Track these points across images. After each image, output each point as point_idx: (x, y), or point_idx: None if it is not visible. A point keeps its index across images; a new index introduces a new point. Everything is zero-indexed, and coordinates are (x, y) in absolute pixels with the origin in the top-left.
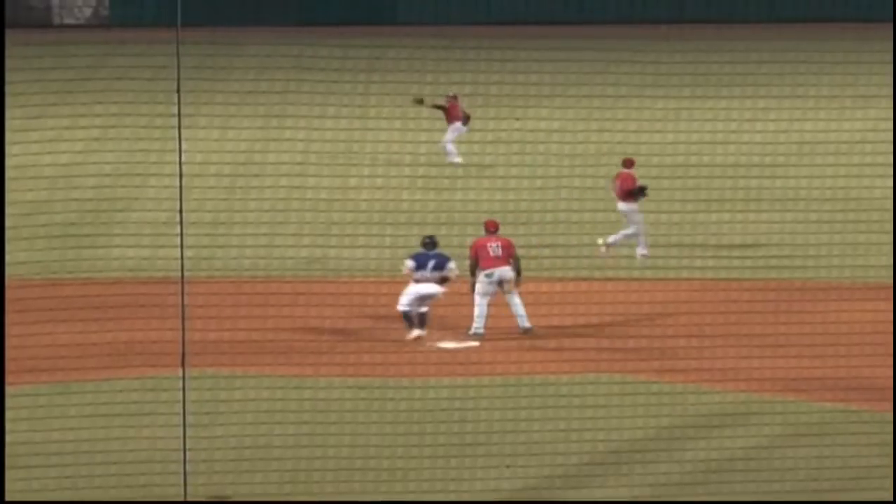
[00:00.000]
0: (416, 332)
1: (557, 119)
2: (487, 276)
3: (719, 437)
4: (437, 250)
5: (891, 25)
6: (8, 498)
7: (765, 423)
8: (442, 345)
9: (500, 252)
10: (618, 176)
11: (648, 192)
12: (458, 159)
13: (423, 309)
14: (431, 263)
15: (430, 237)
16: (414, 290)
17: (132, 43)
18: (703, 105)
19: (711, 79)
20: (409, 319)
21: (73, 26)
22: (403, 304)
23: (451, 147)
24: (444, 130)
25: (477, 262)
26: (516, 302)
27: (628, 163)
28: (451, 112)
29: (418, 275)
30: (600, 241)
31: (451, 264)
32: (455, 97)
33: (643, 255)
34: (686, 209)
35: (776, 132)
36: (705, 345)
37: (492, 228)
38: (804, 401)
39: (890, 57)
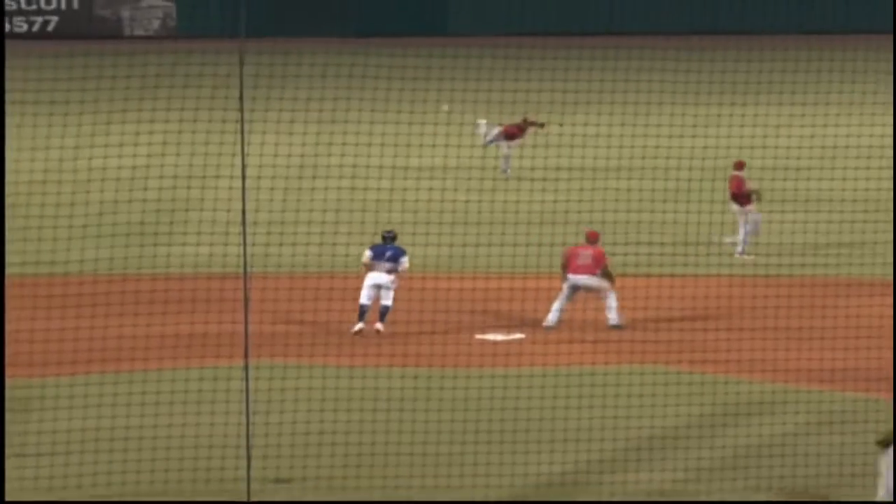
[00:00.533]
0: (359, 326)
1: (599, 124)
2: (568, 280)
3: (750, 425)
4: (396, 244)
5: None
6: (104, 480)
7: (793, 412)
8: (489, 337)
9: (588, 261)
10: (730, 178)
11: (761, 195)
12: (508, 173)
13: (387, 302)
14: (387, 255)
15: (390, 231)
16: (368, 279)
17: (198, 53)
18: (735, 111)
19: (743, 87)
20: (363, 313)
21: (142, 37)
22: (363, 297)
23: (506, 158)
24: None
25: (566, 266)
26: (610, 302)
27: (738, 165)
28: (512, 130)
29: (374, 265)
30: (736, 254)
31: (405, 258)
32: (525, 122)
33: (740, 254)
34: (716, 210)
35: (805, 137)
36: (736, 337)
37: (591, 239)
38: (830, 390)
39: None
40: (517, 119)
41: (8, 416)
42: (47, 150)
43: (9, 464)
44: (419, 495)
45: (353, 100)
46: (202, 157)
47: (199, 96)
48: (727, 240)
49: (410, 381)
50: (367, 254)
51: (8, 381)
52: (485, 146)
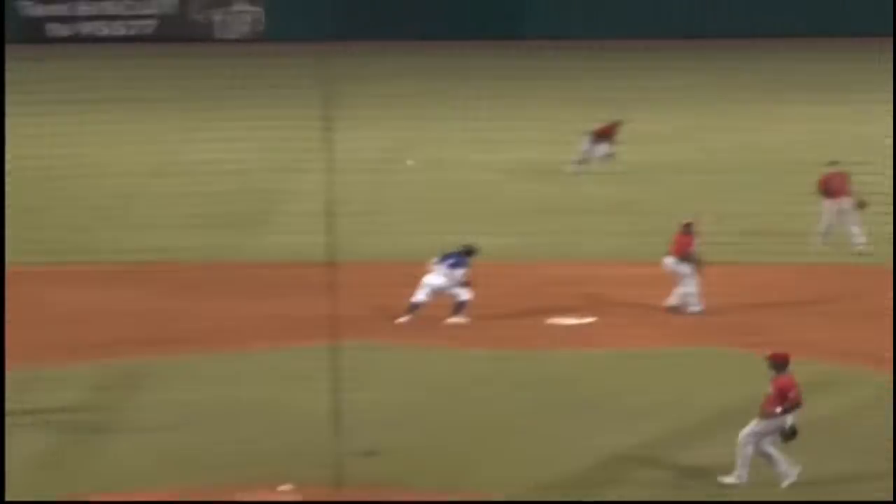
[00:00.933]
0: (403, 319)
1: (666, 122)
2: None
3: (809, 404)
4: (467, 257)
5: None
6: (203, 453)
7: (848, 392)
8: (563, 321)
9: (673, 246)
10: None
11: (866, 203)
12: (572, 168)
13: (463, 297)
14: (449, 261)
15: (469, 246)
16: (426, 279)
17: (285, 55)
18: (795, 109)
19: (806, 84)
20: (412, 309)
21: (232, 41)
22: (419, 295)
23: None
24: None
25: None
26: (680, 287)
27: (831, 165)
28: (604, 132)
29: (436, 267)
30: (819, 239)
31: (461, 271)
32: (615, 124)
33: (861, 245)
34: (776, 200)
35: (862, 133)
36: (795, 321)
37: (682, 227)
38: (884, 371)
39: None
40: (604, 123)
41: (119, 393)
42: (153, 144)
43: (120, 438)
44: (495, 465)
45: (435, 97)
46: (291, 152)
47: (287, 95)
48: (858, 243)
49: (489, 362)
50: (435, 258)
51: (115, 361)
52: (579, 164)
